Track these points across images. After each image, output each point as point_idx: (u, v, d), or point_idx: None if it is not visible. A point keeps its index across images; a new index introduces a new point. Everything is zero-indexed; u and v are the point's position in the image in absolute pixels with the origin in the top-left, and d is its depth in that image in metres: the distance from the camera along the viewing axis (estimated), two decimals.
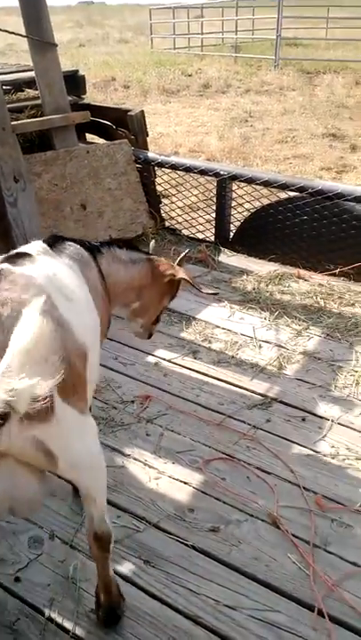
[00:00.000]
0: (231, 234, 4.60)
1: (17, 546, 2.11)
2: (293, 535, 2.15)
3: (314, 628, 1.84)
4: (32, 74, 4.28)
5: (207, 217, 4.79)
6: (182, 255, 2.48)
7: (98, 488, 1.66)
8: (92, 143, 4.74)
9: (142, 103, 11.80)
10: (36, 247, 1.80)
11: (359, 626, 1.85)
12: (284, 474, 2.43)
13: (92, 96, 10.92)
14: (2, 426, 1.17)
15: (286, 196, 4.22)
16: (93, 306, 1.87)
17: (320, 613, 1.88)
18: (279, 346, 3.31)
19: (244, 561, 2.06)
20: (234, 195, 4.50)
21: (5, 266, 1.58)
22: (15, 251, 1.76)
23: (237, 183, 4.38)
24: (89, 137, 5.10)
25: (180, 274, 2.31)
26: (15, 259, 1.66)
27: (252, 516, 2.24)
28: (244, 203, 4.49)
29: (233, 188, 4.47)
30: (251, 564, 2.05)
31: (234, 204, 4.53)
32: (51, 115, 4.18)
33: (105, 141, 4.56)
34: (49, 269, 1.69)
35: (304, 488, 2.35)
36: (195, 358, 3.21)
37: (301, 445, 2.58)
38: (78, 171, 4.11)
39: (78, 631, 1.83)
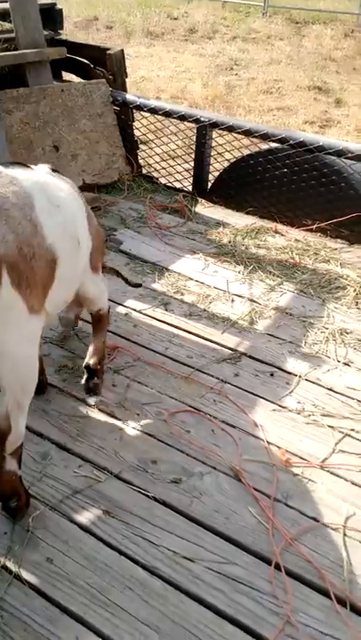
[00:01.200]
0: (210, 184, 4.48)
1: None
2: (255, 489, 2.14)
3: (270, 581, 1.85)
4: (6, 5, 4.04)
5: (186, 166, 4.65)
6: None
7: (12, 383, 1.72)
8: (68, 82, 4.53)
9: (125, 45, 11.33)
10: (40, 166, 1.98)
11: (315, 580, 1.86)
12: (249, 428, 2.41)
13: (74, 36, 10.49)
14: None
15: (267, 147, 4.10)
16: (87, 227, 2.09)
17: (277, 567, 1.88)
18: (252, 300, 3.26)
19: (205, 513, 2.05)
20: (214, 144, 4.35)
21: None
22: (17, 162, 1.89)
23: (218, 132, 4.24)
24: (66, 77, 4.87)
25: (107, 266, 2.63)
26: (12, 164, 1.80)
27: (215, 468, 2.22)
28: (224, 152, 4.35)
29: (214, 137, 4.32)
30: (211, 516, 2.04)
31: (214, 153, 4.39)
32: (25, 49, 3.97)
33: (82, 80, 4.36)
34: (41, 178, 1.83)
35: (268, 442, 2.34)
36: (166, 310, 3.15)
37: (268, 400, 2.56)
38: (52, 110, 3.93)
39: (34, 580, 1.81)
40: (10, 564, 1.85)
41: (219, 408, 2.52)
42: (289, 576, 1.86)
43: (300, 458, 2.28)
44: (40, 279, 1.67)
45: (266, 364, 2.79)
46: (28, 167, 1.85)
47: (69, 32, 10.77)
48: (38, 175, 1.83)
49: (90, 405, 2.48)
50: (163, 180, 4.61)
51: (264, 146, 4.13)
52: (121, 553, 1.90)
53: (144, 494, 2.10)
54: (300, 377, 2.70)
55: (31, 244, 1.62)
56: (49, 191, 1.79)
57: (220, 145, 4.32)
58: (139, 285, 2.85)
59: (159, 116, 4.35)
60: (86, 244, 2.10)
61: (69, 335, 2.89)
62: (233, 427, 2.42)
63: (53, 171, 2.02)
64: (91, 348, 2.56)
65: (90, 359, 2.54)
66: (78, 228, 1.96)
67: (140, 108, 4.25)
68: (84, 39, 10.98)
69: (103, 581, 1.82)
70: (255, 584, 1.84)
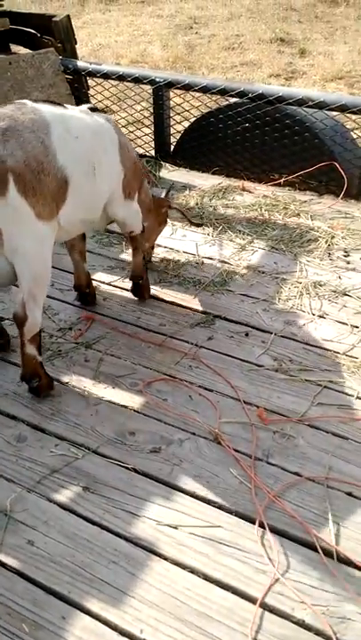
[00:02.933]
0: (172, 147, 4.36)
1: None
2: (235, 450, 2.11)
3: (255, 540, 1.83)
4: None
5: (147, 130, 4.52)
6: (168, 189, 3.12)
7: (27, 277, 2.06)
8: (15, 54, 4.37)
9: (80, 13, 11.03)
10: (81, 106, 2.30)
11: (300, 534, 1.85)
12: (226, 390, 2.38)
13: (27, 7, 10.16)
14: None
15: (227, 102, 3.99)
16: (118, 158, 2.35)
17: (261, 525, 1.86)
18: (223, 262, 3.19)
19: (186, 479, 2.02)
20: (175, 106, 4.22)
21: (26, 101, 2.03)
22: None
23: (177, 92, 4.10)
24: (14, 49, 4.70)
25: (174, 204, 2.94)
26: (43, 101, 2.09)
27: (193, 434, 2.19)
28: (183, 112, 4.23)
29: (174, 98, 4.18)
30: (192, 481, 2.01)
31: (174, 114, 4.26)
32: None
33: (30, 51, 4.20)
34: (67, 113, 2.11)
35: (246, 402, 2.31)
36: None
37: (244, 361, 2.52)
38: (1, 85, 3.79)
39: (15, 564, 1.78)
40: None
41: (195, 373, 2.47)
42: (274, 533, 1.84)
43: (279, 415, 2.26)
44: (50, 192, 1.98)
45: (240, 324, 2.74)
46: (59, 105, 2.13)
47: (22, 4, 10.43)
48: (64, 110, 2.11)
49: (64, 384, 2.43)
50: None
51: (225, 103, 4.02)
52: (103, 527, 1.87)
53: (123, 467, 2.07)
54: (275, 334, 2.66)
55: (40, 161, 1.93)
56: (69, 123, 2.07)
57: (179, 105, 4.20)
58: (200, 225, 3.13)
59: (117, 83, 4.21)
60: (115, 175, 2.37)
61: None
62: (210, 390, 2.38)
63: (93, 110, 2.32)
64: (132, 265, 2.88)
65: (131, 273, 2.88)
66: (100, 158, 2.22)
67: (92, 74, 4.11)
68: (38, 10, 10.65)
69: (87, 558, 1.79)
70: (240, 544, 1.82)
